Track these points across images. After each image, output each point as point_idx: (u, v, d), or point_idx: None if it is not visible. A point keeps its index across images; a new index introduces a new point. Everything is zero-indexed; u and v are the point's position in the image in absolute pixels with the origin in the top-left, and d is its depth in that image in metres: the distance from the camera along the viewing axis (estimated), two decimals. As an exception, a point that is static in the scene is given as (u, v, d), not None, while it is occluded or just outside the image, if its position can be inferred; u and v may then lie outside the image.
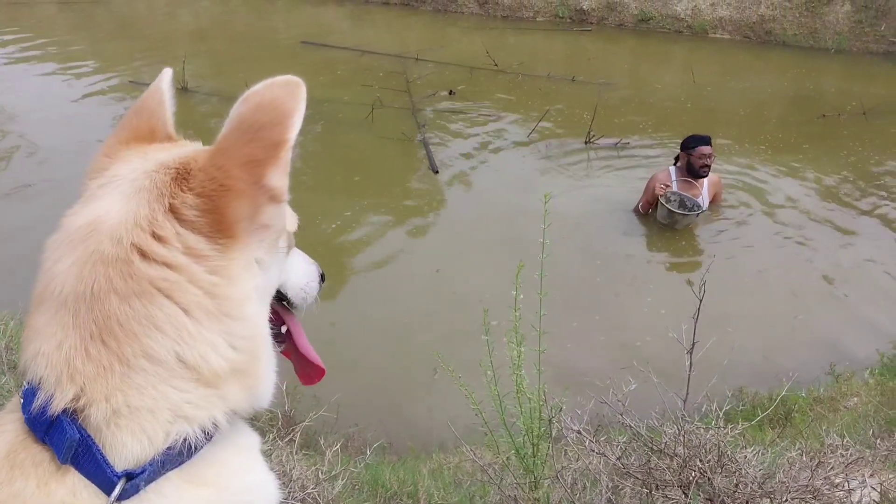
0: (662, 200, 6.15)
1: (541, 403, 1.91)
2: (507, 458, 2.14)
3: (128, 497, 0.75)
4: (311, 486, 1.84)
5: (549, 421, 1.87)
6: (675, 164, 6.43)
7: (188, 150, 0.90)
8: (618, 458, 1.86)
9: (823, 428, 3.57)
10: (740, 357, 4.97)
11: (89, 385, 0.75)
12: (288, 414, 2.94)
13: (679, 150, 6.40)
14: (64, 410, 0.75)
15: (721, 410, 2.05)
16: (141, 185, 0.82)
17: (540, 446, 1.91)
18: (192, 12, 15.65)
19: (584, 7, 12.96)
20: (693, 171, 6.25)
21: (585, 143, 7.99)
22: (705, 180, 6.37)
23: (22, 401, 0.79)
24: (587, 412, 2.06)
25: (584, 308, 5.47)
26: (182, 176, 0.82)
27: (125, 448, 0.76)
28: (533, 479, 1.89)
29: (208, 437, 0.81)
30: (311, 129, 8.96)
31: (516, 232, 6.05)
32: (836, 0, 11.50)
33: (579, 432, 1.93)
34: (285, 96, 0.86)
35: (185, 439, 0.78)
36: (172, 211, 0.80)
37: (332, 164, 7.98)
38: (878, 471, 2.20)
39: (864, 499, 2.09)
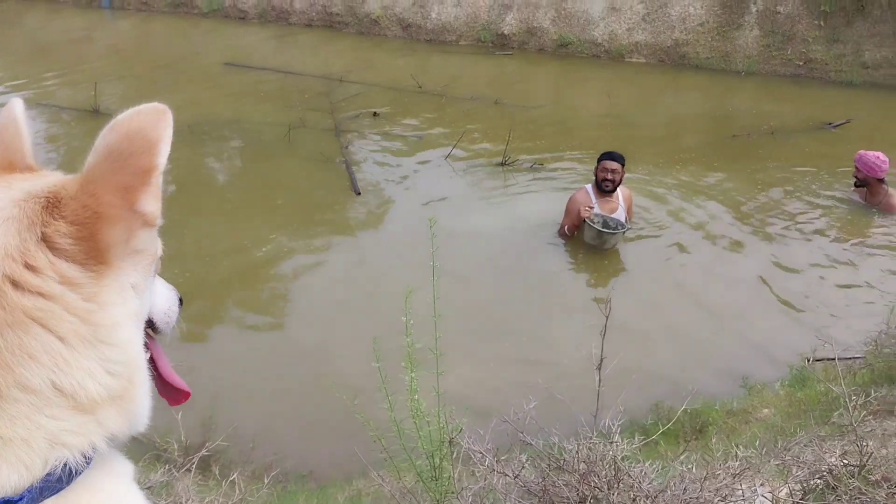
0: (588, 222, 6.27)
1: (441, 426, 1.90)
2: (415, 483, 2.14)
3: None
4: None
5: (450, 442, 1.87)
6: (593, 182, 6.58)
7: (53, 178, 0.88)
8: (515, 476, 1.87)
9: (732, 440, 3.68)
10: (658, 372, 5.08)
11: None
12: (185, 444, 2.86)
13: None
14: None
15: (615, 425, 2.08)
16: (9, 215, 0.80)
17: (443, 468, 1.91)
18: (111, 34, 15.35)
19: (506, 32, 13.18)
20: (597, 183, 6.45)
21: (502, 164, 8.08)
22: (620, 195, 6.54)
23: None
24: (489, 431, 2.07)
25: (506, 330, 5.52)
26: (53, 204, 0.81)
27: (2, 479, 0.73)
28: (435, 500, 1.88)
29: (87, 462, 0.79)
30: (234, 153, 8.86)
31: (439, 253, 6.07)
32: (746, 25, 11.97)
33: (481, 452, 1.94)
34: (152, 124, 0.85)
35: (64, 465, 0.76)
36: (45, 240, 0.79)
37: (256, 188, 7.90)
38: (769, 480, 2.27)
39: (759, 507, 2.15)
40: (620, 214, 6.53)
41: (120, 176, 0.82)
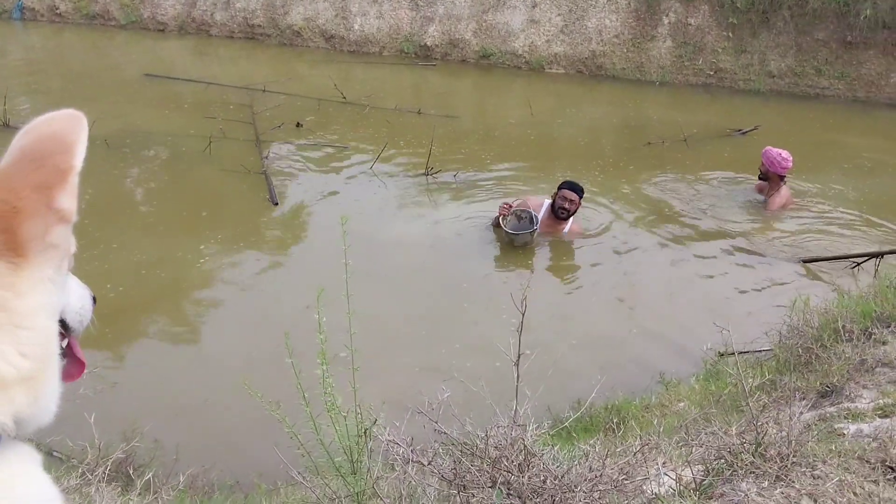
0: (501, 220, 6.52)
1: (358, 420, 1.95)
2: (336, 481, 2.18)
3: None
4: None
5: (366, 433, 1.92)
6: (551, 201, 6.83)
7: None
8: (429, 462, 1.94)
9: (645, 430, 3.82)
10: (578, 371, 5.23)
11: None
12: (99, 447, 2.83)
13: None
14: None
15: (526, 411, 2.17)
16: None
17: (360, 461, 1.96)
18: (23, 48, 14.87)
19: (428, 43, 13.33)
20: (554, 209, 6.72)
21: (426, 174, 8.18)
22: (568, 226, 6.83)
23: None
24: (405, 423, 2.13)
25: (426, 334, 5.61)
26: None
27: None
28: (353, 493, 1.93)
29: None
30: (155, 165, 8.71)
31: (364, 261, 6.12)
32: (659, 37, 12.40)
33: (396, 442, 1.99)
34: (68, 128, 0.95)
35: None
36: None
37: (179, 201, 7.79)
38: (671, 459, 2.39)
39: (664, 487, 2.26)
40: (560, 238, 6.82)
41: (38, 174, 0.88)
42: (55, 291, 0.94)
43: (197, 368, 5.35)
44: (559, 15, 12.80)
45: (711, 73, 12.02)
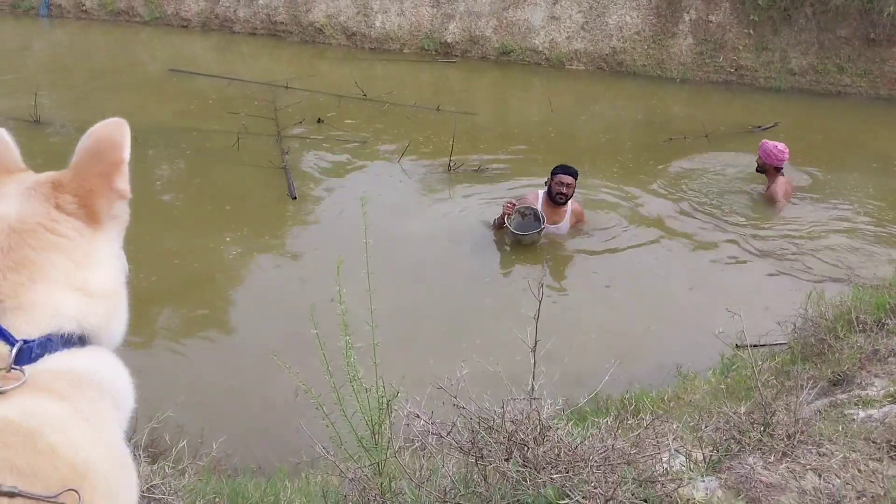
0: (507, 220, 6.52)
1: (379, 393, 2.05)
2: (356, 452, 2.27)
3: (25, 358, 1.07)
4: (158, 479, 1.91)
5: (388, 404, 2.01)
6: (545, 189, 6.87)
7: (47, 173, 1.28)
8: (447, 433, 2.02)
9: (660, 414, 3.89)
10: (596, 362, 5.28)
11: (5, 291, 1.10)
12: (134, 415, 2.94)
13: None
14: None
15: (536, 384, 2.25)
16: (30, 194, 1.21)
17: (381, 432, 2.05)
18: (49, 44, 15.12)
19: (449, 40, 13.41)
20: (552, 195, 6.72)
21: (448, 169, 8.28)
22: (568, 208, 6.84)
23: None
24: (425, 397, 2.21)
25: (447, 325, 5.70)
26: (57, 186, 1.22)
27: (25, 326, 1.10)
28: (375, 463, 2.02)
29: (92, 334, 1.18)
30: (179, 160, 8.86)
31: (384, 255, 6.22)
32: (680, 34, 12.40)
33: (417, 414, 2.08)
34: (116, 132, 1.29)
35: (70, 330, 1.14)
36: (58, 208, 1.20)
37: (204, 195, 7.93)
38: (681, 436, 2.46)
39: (676, 464, 2.33)
40: (563, 226, 6.86)
41: (101, 166, 1.25)
42: (118, 248, 1.32)
43: (220, 356, 5.48)
44: (580, 12, 12.84)
45: (732, 70, 12.01)
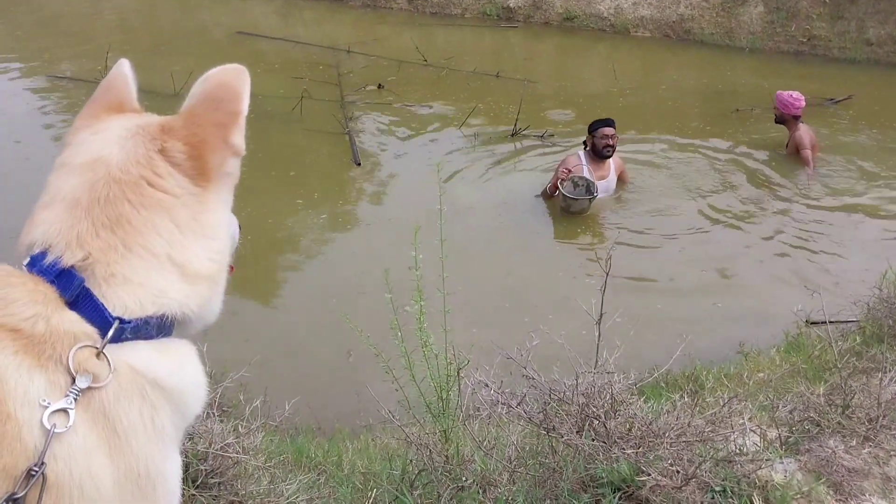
0: (560, 185, 6.52)
1: (448, 361, 2.03)
2: (423, 418, 2.27)
3: (115, 339, 0.97)
4: (231, 438, 1.94)
5: (457, 371, 2.00)
6: (584, 149, 6.86)
7: (160, 116, 1.17)
8: (518, 404, 2.00)
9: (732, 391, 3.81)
10: (656, 337, 5.20)
11: (96, 253, 0.99)
12: (209, 374, 3.00)
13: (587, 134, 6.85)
14: (72, 266, 0.98)
15: (611, 358, 2.21)
16: (135, 133, 1.08)
17: (449, 399, 2.04)
18: (116, 7, 15.33)
19: (511, 5, 13.20)
20: (597, 151, 6.70)
21: (513, 134, 8.20)
22: (611, 162, 6.84)
23: (28, 259, 1.01)
24: (494, 366, 2.19)
25: (511, 295, 5.67)
26: (167, 129, 1.08)
27: (119, 302, 0.99)
28: (442, 430, 2.01)
29: (183, 322, 1.06)
30: (246, 124, 8.92)
31: (449, 224, 6.18)
32: (751, 1, 11.98)
33: (486, 383, 2.06)
34: (236, 78, 1.16)
35: (164, 315, 1.02)
36: (163, 153, 1.06)
37: (269, 160, 7.99)
38: (756, 415, 2.40)
39: (749, 444, 2.28)
40: (611, 181, 6.85)
41: (217, 115, 1.11)
42: (228, 211, 1.18)
43: (283, 319, 5.54)
44: (647, -23, 12.50)
45: (804, 40, 11.56)
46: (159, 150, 1.06)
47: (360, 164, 7.63)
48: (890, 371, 2.41)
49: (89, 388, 0.93)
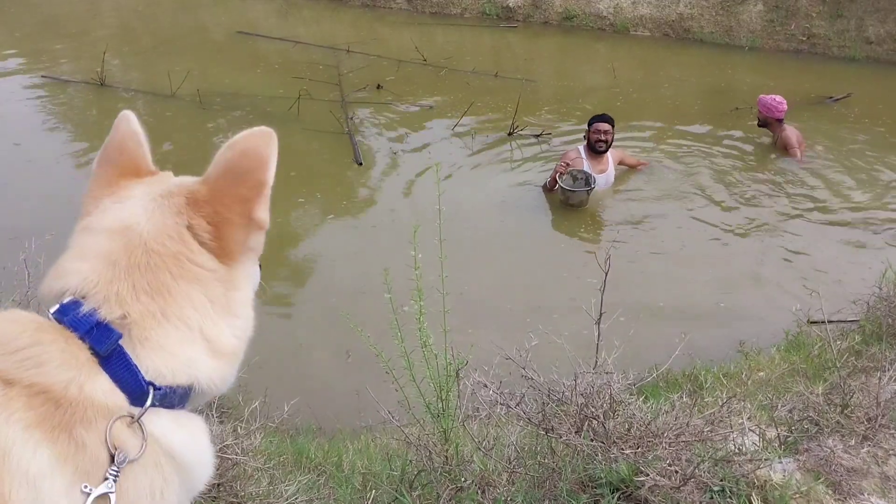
0: (558, 178, 6.63)
1: (448, 360, 2.03)
2: (422, 419, 2.27)
3: (142, 404, 0.95)
4: (231, 439, 1.94)
5: (457, 372, 2.00)
6: (584, 143, 7.01)
7: (179, 180, 1.13)
8: (517, 405, 2.00)
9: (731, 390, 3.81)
10: (655, 335, 5.20)
11: (134, 314, 0.97)
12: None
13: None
14: (109, 322, 0.96)
15: (609, 359, 2.21)
16: (160, 204, 1.05)
17: (448, 399, 2.04)
18: (115, 8, 15.32)
19: (511, 4, 13.19)
20: (591, 145, 6.87)
21: (509, 133, 8.21)
22: (609, 156, 6.97)
23: (58, 307, 0.98)
24: (493, 367, 2.19)
25: (510, 293, 5.67)
26: (192, 202, 1.05)
27: (152, 366, 0.97)
28: (442, 430, 2.02)
29: (199, 394, 1.04)
30: (243, 124, 8.91)
31: (448, 224, 6.18)
32: (750, 0, 11.97)
33: (485, 384, 2.06)
34: (263, 145, 1.09)
35: (190, 387, 1.01)
36: (191, 230, 1.04)
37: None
38: (755, 415, 2.40)
39: (748, 443, 2.28)
40: (610, 174, 6.95)
41: (240, 189, 1.06)
42: (253, 284, 1.15)
43: (284, 319, 5.54)
44: (646, -24, 12.50)
45: (804, 38, 11.56)
46: (187, 226, 1.04)
47: (361, 164, 7.63)
48: (889, 370, 2.41)
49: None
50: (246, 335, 1.11)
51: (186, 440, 1.01)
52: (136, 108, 9.78)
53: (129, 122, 1.17)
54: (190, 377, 1.00)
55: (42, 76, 9.98)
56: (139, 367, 0.95)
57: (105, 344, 0.94)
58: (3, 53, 11.32)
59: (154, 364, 0.97)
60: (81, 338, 0.94)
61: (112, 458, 0.90)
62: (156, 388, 0.96)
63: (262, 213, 1.09)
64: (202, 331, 1.02)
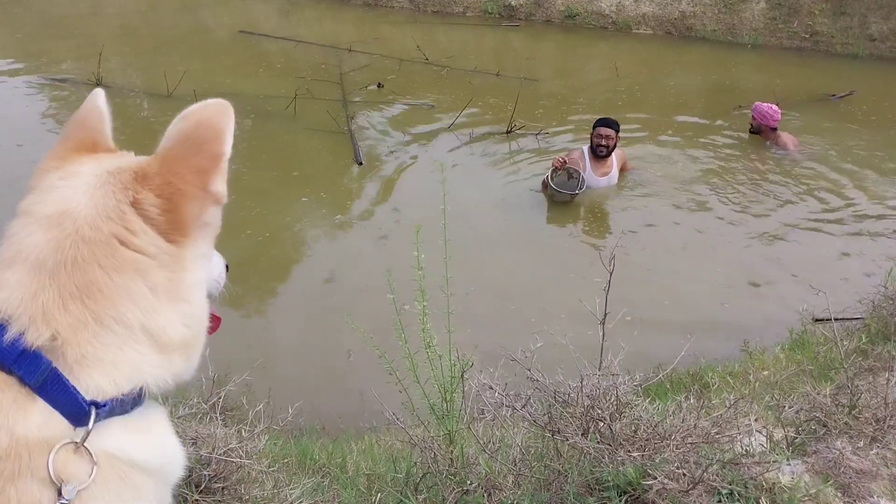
0: (552, 174, 6.69)
1: (452, 363, 2.02)
2: (427, 420, 2.26)
3: (87, 423, 0.88)
4: (235, 442, 1.93)
5: (462, 374, 1.98)
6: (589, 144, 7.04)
7: (134, 158, 1.05)
8: (522, 407, 1.99)
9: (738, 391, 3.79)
10: (659, 335, 5.19)
11: (64, 332, 0.88)
12: (212, 378, 3.01)
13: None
14: (38, 347, 0.88)
15: (615, 360, 2.20)
16: (105, 181, 0.97)
17: (453, 401, 2.02)
18: (117, 8, 15.32)
19: (513, 3, 13.18)
20: (592, 148, 6.94)
21: (507, 132, 8.20)
22: (613, 160, 7.01)
23: None
24: (498, 368, 2.18)
25: (513, 291, 5.65)
26: (140, 177, 0.97)
27: (92, 384, 0.89)
28: (447, 433, 2.00)
29: (152, 394, 0.97)
30: (246, 124, 8.93)
31: (451, 223, 6.17)
32: (752, -3, 11.97)
33: (491, 386, 2.05)
34: (219, 115, 1.02)
35: (140, 389, 0.93)
36: (135, 205, 0.95)
37: (271, 160, 7.98)
38: (762, 416, 2.38)
39: (755, 445, 2.26)
40: (613, 176, 7.01)
41: (196, 159, 0.98)
42: (207, 266, 1.07)
43: (286, 320, 5.52)
44: (648, -26, 12.48)
45: (807, 36, 11.54)
46: (132, 201, 0.95)
47: (362, 164, 7.62)
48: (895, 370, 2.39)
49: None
50: (199, 322, 1.03)
51: (146, 444, 0.96)
52: (138, 107, 9.83)
53: (95, 98, 1.12)
54: (135, 383, 0.92)
55: (43, 76, 9.98)
56: (78, 389, 0.88)
57: (35, 375, 0.86)
58: (5, 55, 11.32)
59: (94, 381, 0.89)
60: (9, 370, 0.86)
61: (59, 491, 0.84)
62: (99, 406, 0.89)
63: (220, 185, 1.01)
64: (143, 327, 0.93)
